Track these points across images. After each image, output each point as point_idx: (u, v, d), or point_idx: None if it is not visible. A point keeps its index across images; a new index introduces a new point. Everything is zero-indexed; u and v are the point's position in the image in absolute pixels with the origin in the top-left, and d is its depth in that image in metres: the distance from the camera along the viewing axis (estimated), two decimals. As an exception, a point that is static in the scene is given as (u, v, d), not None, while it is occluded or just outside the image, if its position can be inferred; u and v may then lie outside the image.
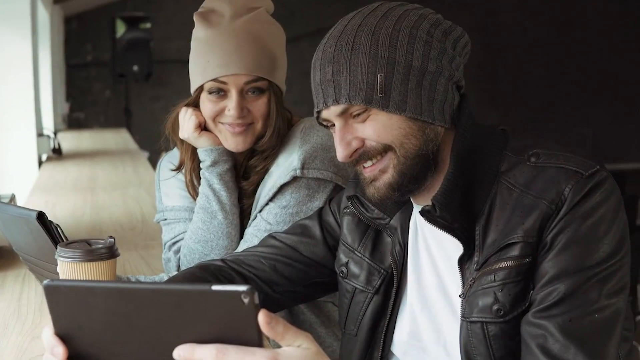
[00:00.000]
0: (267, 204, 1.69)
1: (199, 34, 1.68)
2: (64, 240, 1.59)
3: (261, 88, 1.66)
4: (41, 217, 1.59)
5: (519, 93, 9.46)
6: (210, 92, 1.66)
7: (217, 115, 1.68)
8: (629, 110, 9.54)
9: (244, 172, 1.77)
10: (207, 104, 1.68)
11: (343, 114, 1.23)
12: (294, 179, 1.66)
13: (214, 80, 1.64)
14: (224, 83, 1.64)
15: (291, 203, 1.67)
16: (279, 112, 1.69)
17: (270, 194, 1.68)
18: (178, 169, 1.82)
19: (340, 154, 1.25)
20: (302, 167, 1.64)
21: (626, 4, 9.38)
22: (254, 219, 1.72)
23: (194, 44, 1.70)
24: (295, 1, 8.55)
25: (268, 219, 1.68)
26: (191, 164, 1.78)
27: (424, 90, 1.22)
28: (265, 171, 1.72)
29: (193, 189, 1.80)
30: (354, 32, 1.22)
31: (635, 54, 9.44)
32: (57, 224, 1.61)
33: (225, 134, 1.69)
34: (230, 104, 1.65)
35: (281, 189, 1.67)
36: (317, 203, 1.66)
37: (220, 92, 1.66)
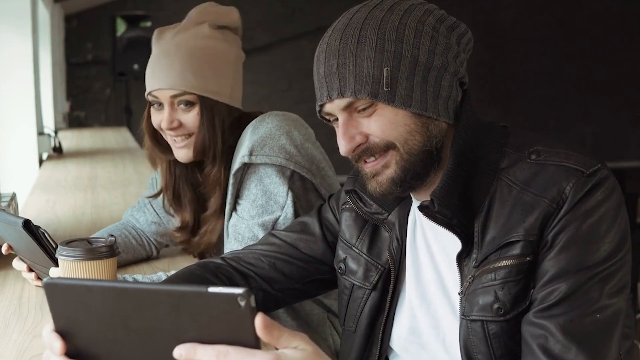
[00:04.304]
0: (237, 202, 1.75)
1: (152, 50, 1.79)
2: (52, 245, 1.60)
3: (190, 101, 1.74)
4: (27, 224, 1.60)
5: (519, 91, 9.45)
6: (152, 105, 1.78)
7: (160, 126, 1.77)
8: (629, 108, 9.54)
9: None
10: (152, 116, 1.79)
11: (347, 107, 1.23)
12: (248, 168, 1.71)
13: (149, 94, 1.76)
14: (156, 97, 1.75)
15: (258, 195, 1.71)
16: (208, 125, 1.74)
17: (231, 187, 1.74)
18: (158, 195, 1.93)
19: (343, 148, 1.24)
20: (250, 154, 1.69)
21: (626, 2, 9.37)
22: (229, 219, 1.77)
23: None
24: (296, 0, 8.55)
25: (243, 216, 1.73)
26: (169, 179, 1.86)
27: (429, 86, 1.21)
28: (225, 176, 1.77)
29: (175, 205, 1.89)
30: (360, 25, 1.22)
31: (636, 52, 9.43)
32: (44, 230, 1.62)
33: (172, 145, 1.79)
34: (163, 116, 1.75)
35: (243, 183, 1.73)
36: (282, 188, 1.70)
37: (159, 105, 1.76)
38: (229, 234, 1.76)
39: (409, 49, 1.20)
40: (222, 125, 1.76)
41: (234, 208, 1.76)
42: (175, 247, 2.08)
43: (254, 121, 1.74)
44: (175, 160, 1.83)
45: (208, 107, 1.74)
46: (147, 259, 2.03)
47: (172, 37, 1.74)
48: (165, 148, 1.83)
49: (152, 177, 2.05)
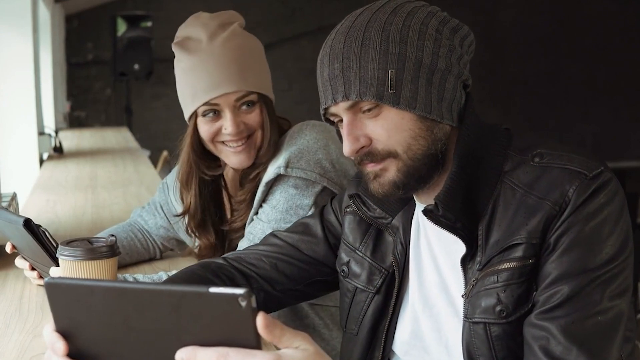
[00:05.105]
0: (260, 206, 1.73)
1: (182, 63, 1.72)
2: (53, 244, 1.60)
3: (252, 101, 1.71)
4: (28, 223, 1.61)
5: (519, 91, 9.46)
6: (204, 115, 1.71)
7: (215, 135, 1.72)
8: (629, 108, 9.54)
9: (240, 181, 1.81)
10: (204, 127, 1.73)
11: (352, 107, 1.22)
12: (281, 178, 1.69)
13: (206, 103, 1.69)
14: (216, 104, 1.69)
15: (280, 202, 1.70)
16: (273, 121, 1.74)
17: (260, 194, 1.72)
18: (183, 215, 1.86)
19: (347, 148, 1.24)
20: (287, 166, 1.67)
21: (626, 2, 9.37)
22: (250, 222, 1.75)
23: (178, 73, 1.74)
24: (296, 0, 8.55)
25: (261, 218, 1.73)
26: (198, 201, 1.81)
27: (433, 88, 1.21)
28: (259, 179, 1.75)
29: (199, 229, 1.84)
30: (364, 28, 1.21)
31: (636, 52, 9.43)
32: (45, 229, 1.62)
33: (227, 153, 1.74)
34: (226, 123, 1.70)
35: (271, 189, 1.71)
36: (307, 201, 1.69)
37: (214, 113, 1.70)
38: (245, 233, 1.76)
39: (413, 51, 1.20)
40: (276, 121, 1.77)
41: (256, 212, 1.75)
42: (180, 252, 2.08)
43: (291, 131, 1.73)
44: (205, 181, 1.81)
45: (268, 103, 1.74)
46: (150, 260, 2.03)
47: (208, 44, 1.68)
48: (210, 162, 1.80)
49: (163, 182, 2.02)
